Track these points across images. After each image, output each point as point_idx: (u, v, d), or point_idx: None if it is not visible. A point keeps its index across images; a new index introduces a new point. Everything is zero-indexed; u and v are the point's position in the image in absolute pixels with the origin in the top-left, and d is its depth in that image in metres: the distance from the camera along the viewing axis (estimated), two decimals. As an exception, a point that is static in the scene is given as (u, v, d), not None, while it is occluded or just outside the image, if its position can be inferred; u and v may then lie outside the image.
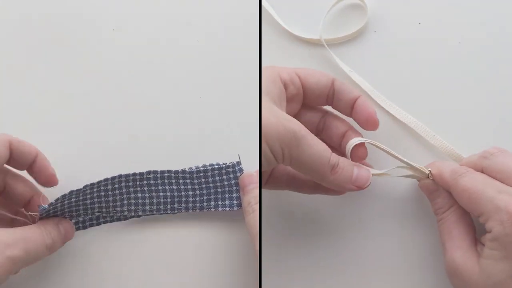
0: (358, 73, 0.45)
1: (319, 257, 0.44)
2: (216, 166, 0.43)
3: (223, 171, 0.43)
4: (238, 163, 0.43)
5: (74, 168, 0.44)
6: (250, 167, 0.43)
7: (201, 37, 0.47)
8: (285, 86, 0.40)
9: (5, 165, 0.41)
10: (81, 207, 0.42)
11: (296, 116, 0.41)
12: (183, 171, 0.43)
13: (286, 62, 0.47)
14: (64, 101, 0.46)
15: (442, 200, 0.40)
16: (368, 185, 0.39)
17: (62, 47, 0.47)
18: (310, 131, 0.38)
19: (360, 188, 0.39)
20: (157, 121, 0.46)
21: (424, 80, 0.45)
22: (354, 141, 0.40)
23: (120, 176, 0.42)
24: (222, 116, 0.46)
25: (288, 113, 0.39)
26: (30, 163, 0.41)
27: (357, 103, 0.41)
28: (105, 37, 0.47)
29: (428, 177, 0.40)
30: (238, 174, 0.43)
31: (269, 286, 0.44)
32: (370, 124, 0.41)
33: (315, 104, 0.42)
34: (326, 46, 0.46)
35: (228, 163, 0.43)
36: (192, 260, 0.44)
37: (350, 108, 0.41)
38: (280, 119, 0.36)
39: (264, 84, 0.39)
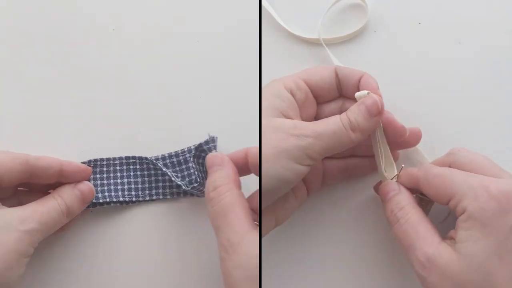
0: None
1: (319, 258, 0.44)
2: (186, 149, 0.44)
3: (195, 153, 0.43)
4: (208, 142, 0.42)
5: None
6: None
7: (201, 37, 0.47)
8: (292, 94, 0.39)
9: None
10: (111, 180, 0.44)
11: (316, 118, 0.41)
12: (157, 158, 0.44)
13: (286, 61, 0.47)
14: (64, 100, 0.46)
15: (400, 196, 0.38)
16: (382, 106, 0.38)
17: (62, 47, 0.47)
18: None
19: (379, 114, 0.38)
20: (157, 120, 0.46)
21: (424, 80, 0.45)
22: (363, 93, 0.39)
23: (134, 157, 0.45)
24: (222, 116, 0.46)
25: (305, 119, 0.40)
26: (57, 174, 0.41)
27: (361, 83, 0.40)
28: (105, 37, 0.47)
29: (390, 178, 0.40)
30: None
31: (269, 286, 0.44)
32: None
33: (329, 99, 0.42)
34: (324, 45, 0.46)
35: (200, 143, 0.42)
36: (193, 255, 0.44)
37: (355, 81, 0.40)
38: (280, 146, 0.36)
39: (269, 101, 0.38)
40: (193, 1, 0.47)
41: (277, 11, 0.47)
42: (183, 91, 0.46)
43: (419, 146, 0.43)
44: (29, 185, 0.42)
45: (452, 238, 0.35)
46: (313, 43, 0.47)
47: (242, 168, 0.40)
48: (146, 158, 0.44)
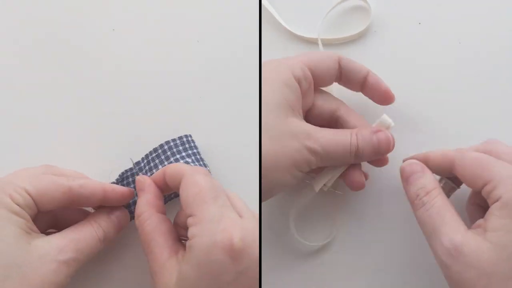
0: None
1: (319, 259, 0.44)
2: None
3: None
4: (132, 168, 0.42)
5: (77, 167, 0.43)
6: (251, 168, 0.44)
7: (201, 37, 0.47)
8: (299, 83, 0.39)
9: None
10: None
11: (310, 110, 0.41)
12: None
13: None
14: (65, 100, 0.46)
15: (425, 180, 0.38)
16: (393, 147, 0.39)
17: (62, 47, 0.46)
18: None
19: (385, 154, 0.39)
20: (157, 121, 0.46)
21: (424, 80, 0.45)
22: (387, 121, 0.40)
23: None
24: (222, 116, 0.46)
25: (303, 109, 0.40)
26: (99, 201, 0.39)
27: (368, 81, 0.40)
28: (105, 37, 0.47)
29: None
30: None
31: (269, 286, 0.44)
32: (387, 100, 0.41)
33: (322, 85, 0.42)
34: (321, 46, 0.46)
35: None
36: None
37: (359, 86, 0.41)
38: (289, 148, 0.37)
39: (281, 92, 0.38)
40: (193, 1, 0.47)
41: (278, 10, 0.47)
42: (182, 90, 0.46)
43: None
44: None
45: (480, 227, 0.35)
46: (315, 43, 0.47)
47: (163, 187, 0.39)
48: (163, 151, 0.43)
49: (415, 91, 0.45)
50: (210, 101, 0.46)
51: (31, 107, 0.46)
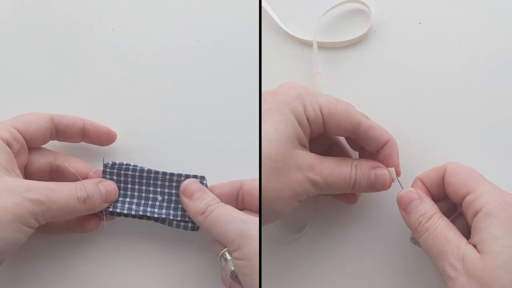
0: (359, 75, 0.46)
1: (319, 259, 0.45)
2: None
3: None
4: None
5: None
6: (251, 167, 0.44)
7: (201, 37, 0.47)
8: (309, 122, 0.39)
9: (53, 151, 0.43)
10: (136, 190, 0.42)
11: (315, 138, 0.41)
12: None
13: (285, 62, 0.47)
14: (65, 100, 0.46)
15: (425, 206, 0.38)
16: (390, 186, 0.40)
17: (62, 47, 0.46)
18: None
19: (380, 190, 0.40)
20: (156, 120, 0.46)
21: (423, 81, 0.45)
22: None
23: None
24: (222, 116, 0.46)
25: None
26: (80, 132, 0.43)
27: (384, 149, 0.40)
28: (105, 37, 0.47)
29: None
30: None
31: (269, 286, 0.45)
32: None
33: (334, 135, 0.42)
34: (316, 48, 0.46)
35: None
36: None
37: (374, 149, 0.40)
38: (293, 181, 0.38)
39: (293, 127, 0.38)
40: (193, 1, 0.47)
41: (277, 12, 0.47)
42: (182, 90, 0.46)
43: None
44: (62, 172, 0.42)
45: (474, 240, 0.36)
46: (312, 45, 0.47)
47: (231, 202, 0.41)
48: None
49: (415, 92, 0.45)
50: (209, 100, 0.46)
51: (29, 107, 0.45)
